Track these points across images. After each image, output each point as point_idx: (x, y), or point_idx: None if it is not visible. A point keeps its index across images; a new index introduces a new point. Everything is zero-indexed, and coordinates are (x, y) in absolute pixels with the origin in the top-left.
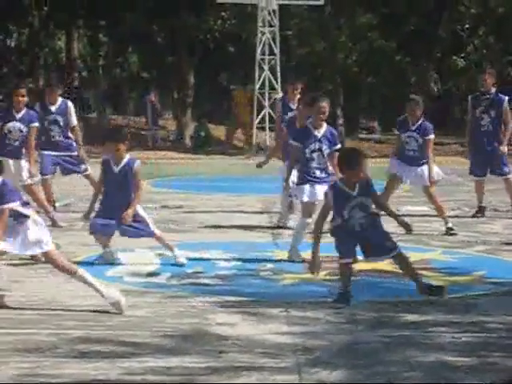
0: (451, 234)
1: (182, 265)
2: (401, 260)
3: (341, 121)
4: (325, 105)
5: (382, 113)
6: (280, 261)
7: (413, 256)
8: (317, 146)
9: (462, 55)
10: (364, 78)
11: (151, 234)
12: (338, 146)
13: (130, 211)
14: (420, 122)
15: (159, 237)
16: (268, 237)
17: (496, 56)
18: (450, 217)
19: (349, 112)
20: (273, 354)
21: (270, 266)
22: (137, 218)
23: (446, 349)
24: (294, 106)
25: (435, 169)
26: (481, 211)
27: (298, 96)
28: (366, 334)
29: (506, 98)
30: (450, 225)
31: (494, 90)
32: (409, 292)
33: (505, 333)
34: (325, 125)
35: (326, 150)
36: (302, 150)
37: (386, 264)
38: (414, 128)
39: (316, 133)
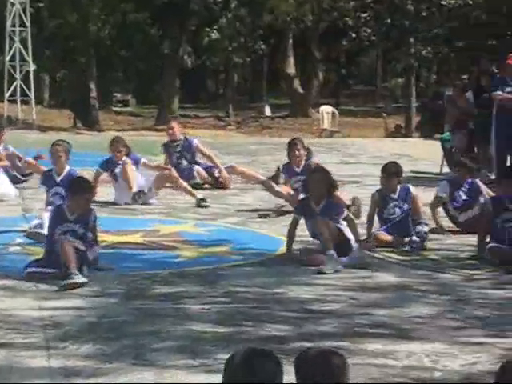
0: (203, 207)
1: None
2: None
3: (94, 94)
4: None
5: (137, 86)
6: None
7: (165, 229)
8: None
9: (215, 28)
10: (118, 50)
11: None
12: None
13: None
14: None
15: None
16: (18, 211)
17: (248, 30)
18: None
19: (103, 85)
20: (21, 329)
21: (20, 240)
22: None
23: (195, 320)
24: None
25: None
26: None
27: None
28: (117, 307)
29: None
30: (200, 196)
31: None
32: (160, 264)
33: (254, 302)
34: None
35: None
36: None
37: (138, 237)
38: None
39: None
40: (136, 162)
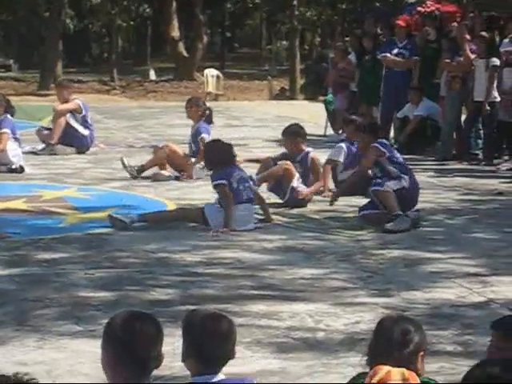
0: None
1: None
2: None
3: None
4: None
5: (19, 50)
6: None
7: (48, 194)
8: None
9: None
10: None
11: None
12: None
13: None
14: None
15: None
16: None
17: None
18: None
19: None
20: None
21: None
22: None
23: (79, 285)
24: None
25: None
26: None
27: None
28: None
29: None
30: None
31: None
32: (43, 230)
33: (139, 266)
34: None
35: None
36: None
37: (21, 202)
38: None
39: None
40: None
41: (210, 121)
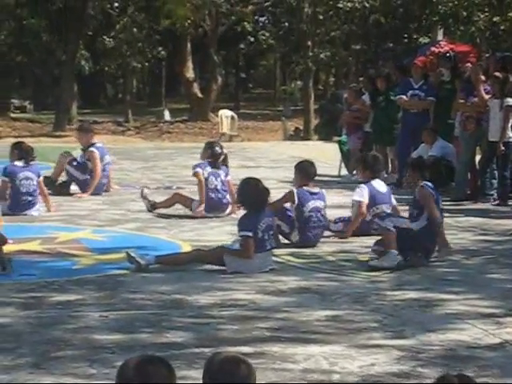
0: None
1: None
2: None
3: None
4: None
5: (34, 92)
6: None
7: (63, 236)
8: None
9: (112, 34)
10: (14, 56)
11: None
12: None
13: None
14: None
15: None
16: None
17: (146, 35)
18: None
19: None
20: None
21: None
22: None
23: (93, 327)
24: None
25: None
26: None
27: None
28: (13, 316)
29: None
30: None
31: None
32: (58, 272)
33: (153, 309)
34: None
35: None
36: None
37: (36, 244)
38: None
39: None
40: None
41: (225, 165)
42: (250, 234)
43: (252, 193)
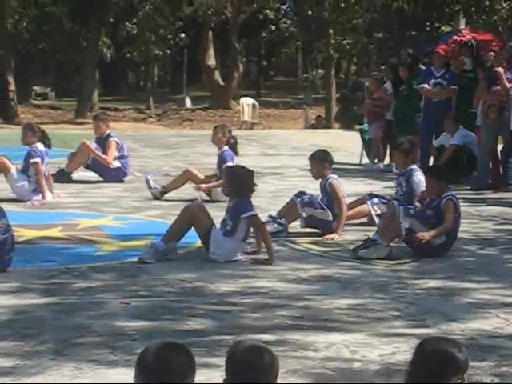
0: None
1: None
2: None
3: (12, 87)
4: None
5: (56, 79)
6: None
7: (85, 223)
8: None
9: (135, 21)
10: (36, 43)
11: None
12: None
13: None
14: None
15: None
16: None
17: (168, 22)
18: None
19: (21, 78)
20: None
21: None
22: None
23: (115, 314)
24: None
25: None
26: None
27: None
28: (36, 302)
29: None
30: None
31: None
32: (79, 258)
33: (174, 296)
34: None
35: None
36: None
37: (57, 231)
38: None
39: None
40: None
41: (235, 152)
42: (255, 212)
43: (244, 180)
